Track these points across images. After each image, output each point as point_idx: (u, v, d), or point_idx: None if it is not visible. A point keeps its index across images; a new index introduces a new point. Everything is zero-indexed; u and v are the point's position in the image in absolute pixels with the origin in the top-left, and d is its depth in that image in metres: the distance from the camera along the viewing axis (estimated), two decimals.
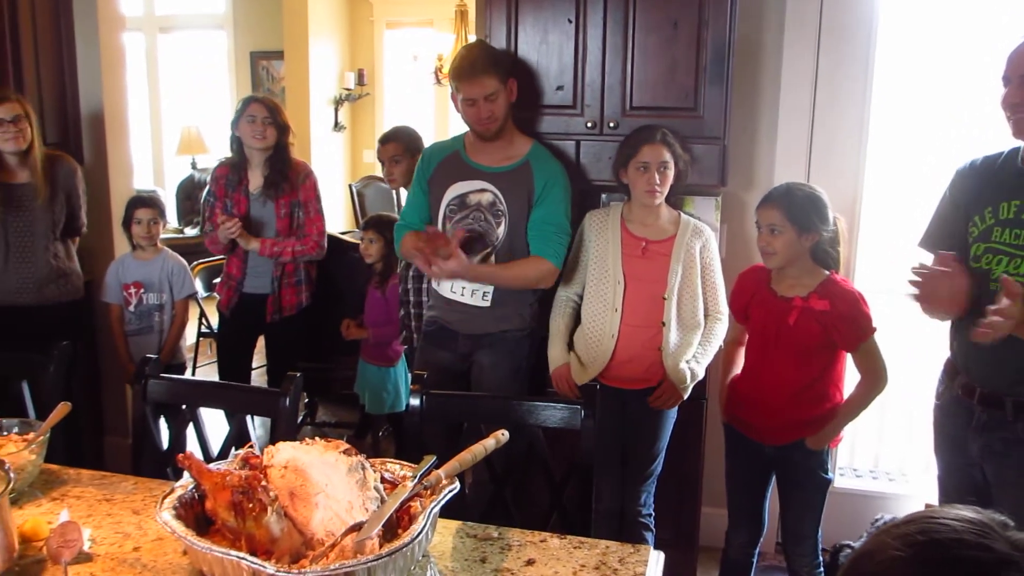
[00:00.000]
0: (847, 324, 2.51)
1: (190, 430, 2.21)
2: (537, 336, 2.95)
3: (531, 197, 2.77)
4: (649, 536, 2.84)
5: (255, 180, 3.58)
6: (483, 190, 2.81)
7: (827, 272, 2.57)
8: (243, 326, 3.76)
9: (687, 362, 2.71)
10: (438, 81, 6.96)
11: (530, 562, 1.57)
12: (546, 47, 2.91)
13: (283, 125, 3.55)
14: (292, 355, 3.76)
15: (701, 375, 2.74)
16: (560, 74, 2.93)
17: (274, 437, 1.95)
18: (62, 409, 1.86)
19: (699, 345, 2.74)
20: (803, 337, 2.53)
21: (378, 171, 7.86)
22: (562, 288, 2.87)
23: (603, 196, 3.10)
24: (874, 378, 2.55)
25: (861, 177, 3.16)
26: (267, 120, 3.51)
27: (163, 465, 2.15)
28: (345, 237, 4.80)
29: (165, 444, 2.26)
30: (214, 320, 4.41)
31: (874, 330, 2.53)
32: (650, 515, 2.86)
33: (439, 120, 7.72)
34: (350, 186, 7.34)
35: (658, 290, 2.70)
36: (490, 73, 2.69)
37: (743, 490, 2.79)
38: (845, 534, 3.10)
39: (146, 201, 3.70)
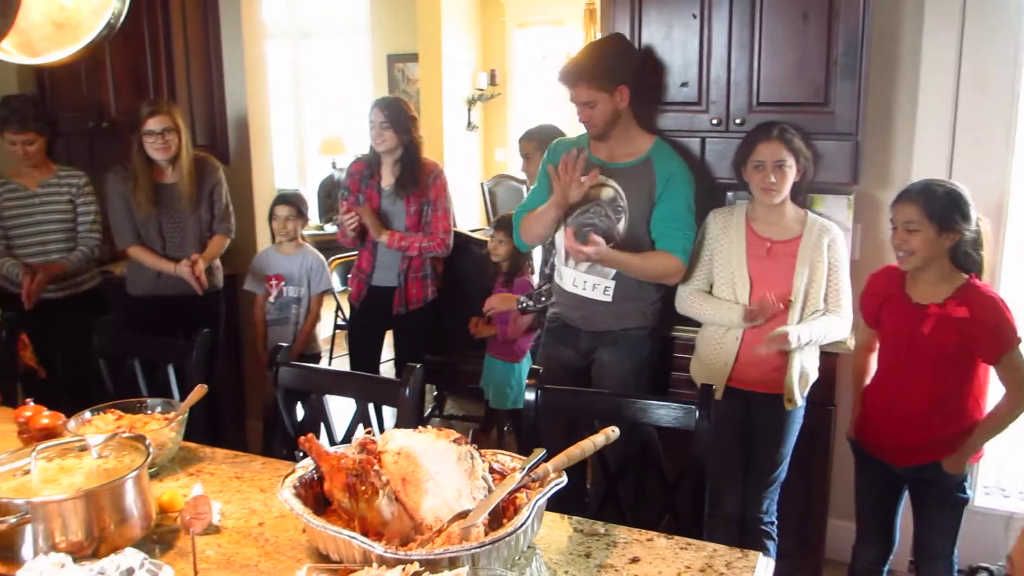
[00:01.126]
0: (988, 333, 2.35)
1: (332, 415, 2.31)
2: (659, 335, 2.93)
3: (652, 194, 2.75)
4: (771, 545, 2.76)
5: (387, 177, 3.70)
6: (604, 185, 2.81)
7: (967, 276, 2.42)
8: (372, 318, 3.90)
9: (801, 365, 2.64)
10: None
11: (634, 560, 1.57)
12: (670, 43, 2.88)
13: (405, 128, 3.65)
14: (418, 348, 3.87)
15: (809, 370, 2.66)
16: (684, 70, 2.89)
17: (398, 426, 2.02)
18: (199, 391, 1.98)
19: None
20: (939, 347, 2.38)
21: (509, 169, 7.99)
22: (683, 285, 2.83)
23: (728, 195, 3.04)
24: (1019, 393, 2.37)
25: (1009, 174, 2.96)
26: (384, 124, 3.61)
27: (292, 447, 2.26)
28: (475, 235, 4.88)
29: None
30: (348, 313, 4.58)
31: (1019, 340, 2.36)
32: (772, 523, 2.78)
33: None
34: (482, 184, 7.46)
35: (784, 291, 2.63)
36: (586, 83, 2.71)
37: (873, 507, 2.67)
38: (984, 555, 2.92)
39: (287, 199, 3.90)
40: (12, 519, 1.40)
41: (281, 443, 2.32)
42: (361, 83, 8.65)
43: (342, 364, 5.41)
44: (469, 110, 7.94)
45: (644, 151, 2.80)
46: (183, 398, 2.14)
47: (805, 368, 2.66)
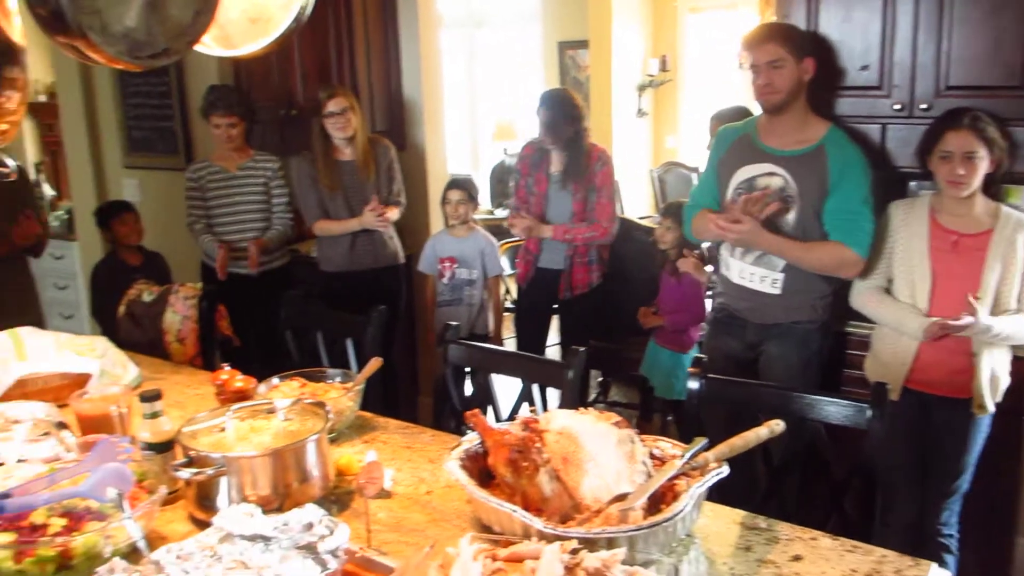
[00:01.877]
0: None
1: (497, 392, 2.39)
2: (830, 330, 2.82)
3: (825, 183, 2.64)
4: (950, 559, 2.61)
5: (556, 163, 3.75)
6: (772, 174, 2.73)
7: None
8: (538, 300, 3.97)
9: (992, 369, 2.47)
10: (741, 65, 6.78)
11: (796, 558, 1.53)
12: (849, 25, 2.76)
13: (570, 120, 3.66)
14: (584, 333, 3.90)
15: (1000, 373, 2.48)
16: (865, 53, 2.76)
17: (562, 407, 2.07)
18: (374, 364, 2.10)
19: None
20: None
21: (679, 157, 7.88)
22: (860, 281, 2.71)
23: (911, 184, 2.88)
24: None
25: None
26: (547, 122, 3.66)
27: (460, 422, 2.35)
28: (643, 222, 4.85)
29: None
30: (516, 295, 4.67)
31: None
32: (952, 536, 2.62)
33: (748, 104, 7.51)
34: (651, 172, 7.39)
35: (971, 288, 2.46)
36: (777, 41, 2.62)
37: None
38: None
39: (458, 183, 4.03)
40: (210, 471, 1.54)
41: (450, 417, 2.41)
42: (532, 70, 8.76)
43: (509, 346, 5.53)
44: (639, 97, 7.87)
45: (817, 138, 2.69)
46: (360, 370, 2.27)
47: (996, 371, 2.49)
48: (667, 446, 1.70)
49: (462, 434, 2.31)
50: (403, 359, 4.36)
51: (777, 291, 2.77)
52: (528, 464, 1.52)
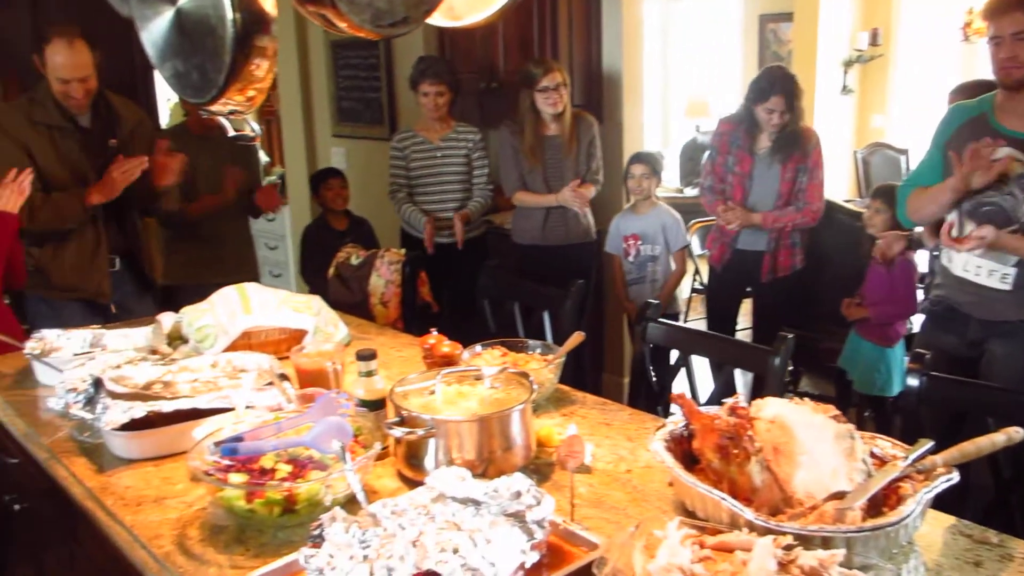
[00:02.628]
0: None
1: (680, 374, 2.34)
2: None
3: None
4: None
5: (763, 141, 3.61)
6: (1014, 160, 2.49)
7: None
8: (732, 283, 3.85)
9: None
10: (966, 38, 6.26)
11: None
12: None
13: (794, 104, 3.53)
14: (777, 319, 3.75)
15: None
16: None
17: (756, 395, 1.99)
18: (576, 338, 2.09)
19: None
20: None
21: (887, 137, 7.39)
22: None
23: None
24: None
25: None
26: (783, 109, 3.52)
27: (654, 402, 2.31)
28: (848, 205, 4.60)
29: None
30: (706, 277, 4.56)
31: None
32: None
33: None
34: (855, 153, 6.99)
35: None
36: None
37: None
38: None
39: (642, 158, 3.96)
40: (420, 432, 1.59)
41: (646, 397, 2.38)
42: (730, 44, 8.47)
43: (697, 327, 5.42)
44: (845, 73, 7.43)
45: None
46: (554, 342, 2.28)
47: None
48: (886, 445, 1.59)
49: (658, 414, 2.28)
50: (588, 336, 4.36)
51: (1007, 287, 2.54)
52: (739, 452, 1.47)
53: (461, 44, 4.47)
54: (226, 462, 1.50)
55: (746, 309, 4.14)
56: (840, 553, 1.25)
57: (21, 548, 2.39)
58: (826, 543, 1.33)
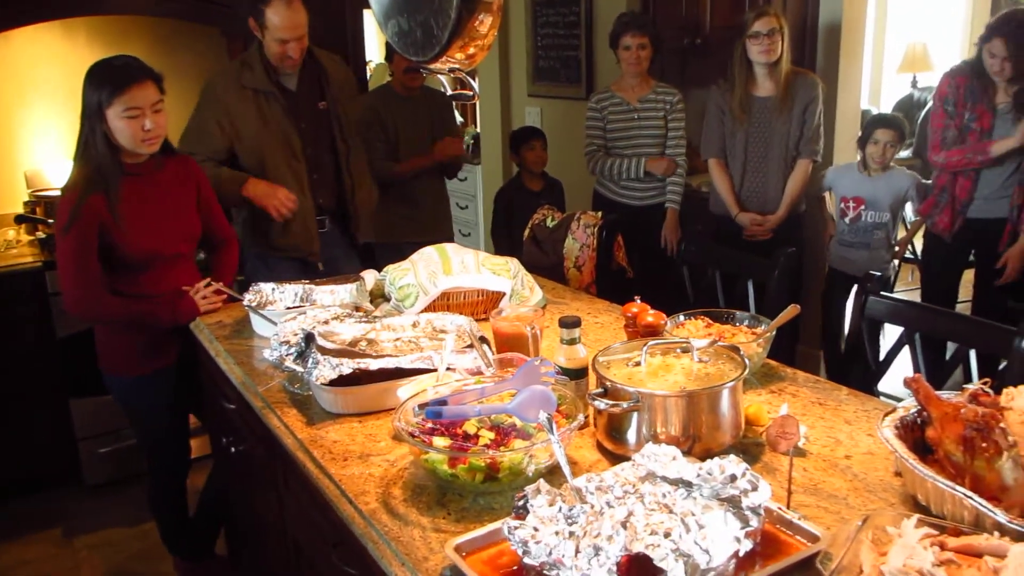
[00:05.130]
0: None
1: (904, 354, 2.14)
2: None
3: None
4: None
5: (1002, 95, 3.24)
6: None
7: None
8: (959, 253, 3.51)
9: None
10: None
11: None
12: None
13: None
14: (1006, 294, 3.40)
15: None
16: None
17: (991, 380, 1.78)
18: (791, 311, 1.95)
19: None
20: None
21: None
22: None
23: None
24: None
25: None
26: (1006, 57, 3.15)
27: (871, 381, 2.13)
28: None
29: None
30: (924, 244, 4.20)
31: None
32: None
33: None
34: None
35: None
36: None
37: None
38: None
39: (888, 121, 3.64)
40: (625, 404, 1.52)
41: (859, 374, 2.20)
42: None
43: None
44: None
45: None
46: (759, 313, 2.14)
47: None
48: None
49: (874, 395, 2.10)
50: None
51: None
52: (988, 445, 1.30)
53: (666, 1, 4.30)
54: (430, 425, 1.50)
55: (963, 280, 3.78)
56: None
57: (235, 487, 2.55)
58: None
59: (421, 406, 1.53)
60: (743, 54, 3.49)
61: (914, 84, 7.79)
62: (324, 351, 1.88)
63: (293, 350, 1.96)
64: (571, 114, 4.72)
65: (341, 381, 1.79)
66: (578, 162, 4.09)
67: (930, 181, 3.60)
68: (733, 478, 1.25)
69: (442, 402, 1.52)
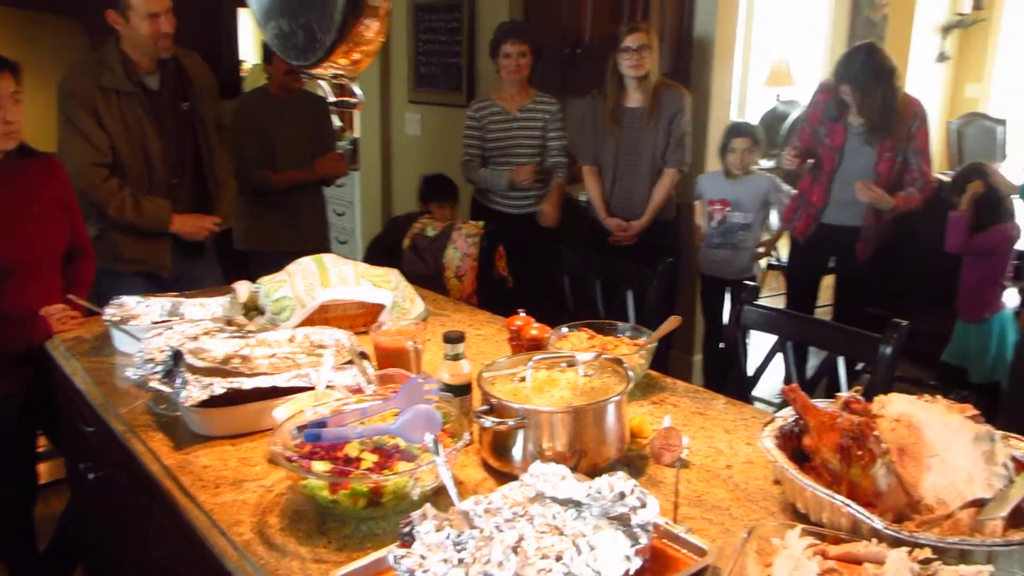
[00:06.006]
0: None
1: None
2: None
3: None
4: None
5: (859, 115, 3.40)
6: None
7: None
8: (816, 258, 3.67)
9: None
10: None
11: None
12: None
13: (880, 87, 3.32)
14: (863, 299, 3.58)
15: None
16: None
17: (869, 386, 1.85)
18: (672, 322, 1.97)
19: None
20: None
21: (981, 107, 7.00)
22: None
23: None
24: None
25: None
26: (856, 96, 3.34)
27: (746, 388, 2.18)
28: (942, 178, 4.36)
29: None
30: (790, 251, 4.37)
31: None
32: None
33: None
34: (948, 123, 6.65)
35: None
36: None
37: None
38: None
39: (742, 129, 3.77)
40: (511, 422, 1.49)
41: (736, 382, 2.25)
42: (818, 8, 8.08)
43: (774, 304, 5.22)
44: (942, 39, 7.05)
45: None
46: (638, 323, 2.16)
47: None
48: (1022, 445, 1.44)
49: (748, 402, 2.15)
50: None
51: None
52: (863, 453, 1.34)
53: (546, 8, 4.32)
54: (309, 448, 1.43)
55: (823, 284, 3.96)
56: (987, 570, 1.12)
57: (94, 517, 2.38)
58: (963, 556, 1.20)
59: (299, 428, 1.46)
60: (615, 66, 3.55)
61: (778, 98, 8.13)
62: (193, 370, 1.77)
63: (159, 368, 1.84)
64: (451, 121, 4.69)
65: (212, 402, 1.69)
66: (457, 170, 4.06)
67: (790, 188, 3.76)
68: (622, 496, 1.24)
69: (321, 424, 1.45)
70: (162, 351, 1.89)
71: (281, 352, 1.93)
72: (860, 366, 3.11)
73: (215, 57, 3.56)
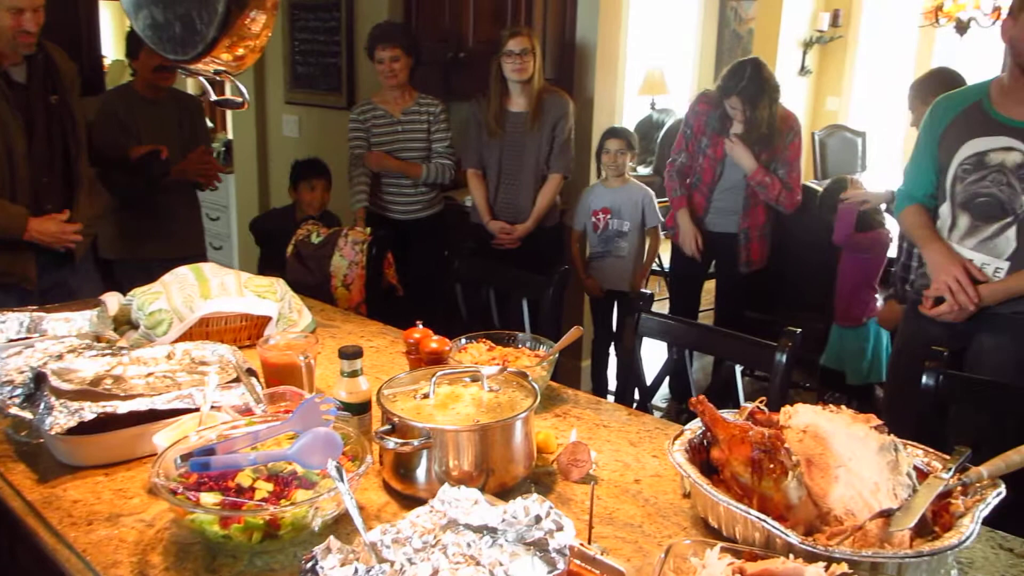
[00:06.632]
0: None
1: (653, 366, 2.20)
2: None
3: None
4: None
5: (740, 127, 3.49)
6: (1009, 148, 2.39)
7: None
8: (700, 265, 3.74)
9: None
10: (935, 21, 6.19)
11: None
12: None
13: (762, 104, 3.42)
14: (744, 303, 3.69)
15: None
16: None
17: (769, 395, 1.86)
18: (575, 333, 1.93)
19: None
20: None
21: (841, 119, 7.37)
22: None
23: None
24: None
25: None
26: (743, 108, 3.42)
27: (645, 398, 2.17)
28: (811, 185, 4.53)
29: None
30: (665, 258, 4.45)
31: None
32: None
33: (920, 69, 6.95)
34: (813, 135, 6.95)
35: None
36: None
37: None
38: None
39: (617, 132, 3.82)
40: (415, 443, 1.41)
41: (632, 392, 2.24)
42: (688, 20, 8.33)
43: (658, 309, 5.32)
44: (804, 53, 7.39)
45: None
46: (534, 331, 2.12)
47: None
48: (919, 453, 1.48)
49: (648, 412, 2.14)
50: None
51: (999, 278, 2.46)
52: (775, 466, 1.33)
53: (428, 10, 4.23)
54: (196, 478, 1.31)
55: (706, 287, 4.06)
56: None
57: None
58: (873, 568, 1.20)
59: (184, 456, 1.34)
60: (498, 70, 3.52)
61: (653, 106, 8.33)
62: (59, 393, 1.61)
63: (19, 392, 1.67)
64: (331, 124, 4.54)
65: (82, 428, 1.53)
66: (339, 174, 3.92)
67: (660, 214, 3.85)
68: (538, 519, 1.18)
69: (209, 451, 1.33)
70: (21, 372, 1.72)
71: (159, 371, 1.79)
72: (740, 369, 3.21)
73: (75, 50, 3.29)
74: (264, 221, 3.95)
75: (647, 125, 8.17)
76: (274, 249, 3.42)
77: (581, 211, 3.85)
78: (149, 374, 1.77)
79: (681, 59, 8.26)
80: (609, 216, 3.79)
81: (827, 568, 1.15)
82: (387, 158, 3.67)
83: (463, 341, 1.97)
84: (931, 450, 1.48)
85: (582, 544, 1.27)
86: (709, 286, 4.07)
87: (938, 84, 3.12)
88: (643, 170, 7.58)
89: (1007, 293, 2.43)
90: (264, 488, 1.29)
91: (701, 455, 1.51)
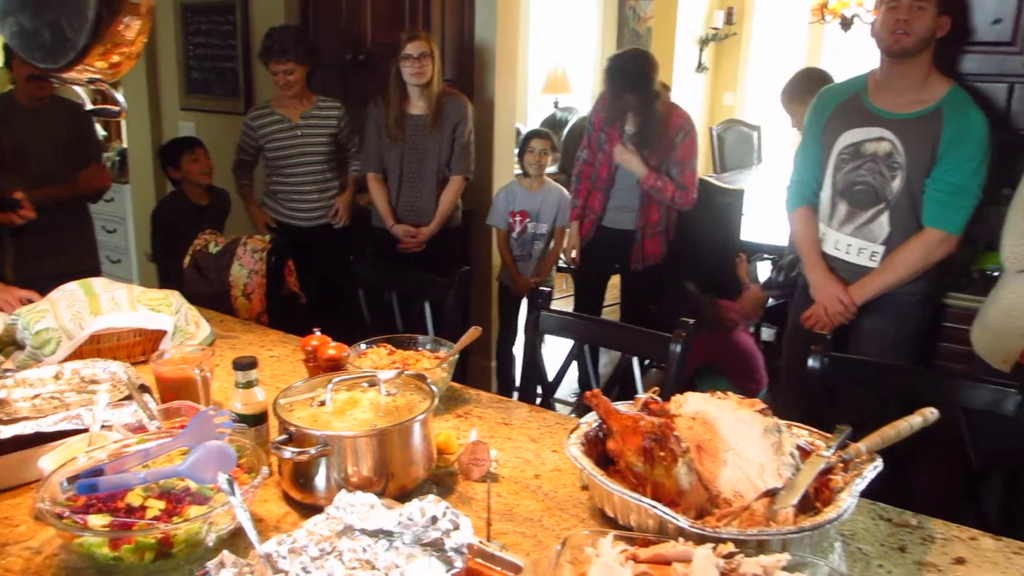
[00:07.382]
0: None
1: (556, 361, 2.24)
2: (931, 303, 2.65)
3: (935, 149, 2.44)
4: None
5: (632, 124, 3.56)
6: (880, 139, 2.53)
7: None
8: (600, 260, 3.80)
9: None
10: (821, 18, 6.45)
11: (959, 560, 1.38)
12: None
13: (643, 85, 3.49)
14: (647, 297, 3.77)
15: None
16: (1000, 5, 2.53)
17: (664, 385, 1.91)
18: (473, 333, 1.95)
19: None
20: None
21: (737, 114, 7.59)
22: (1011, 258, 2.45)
23: None
24: None
25: None
26: (615, 91, 3.51)
27: (548, 394, 2.20)
28: (710, 179, 4.66)
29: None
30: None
31: None
32: None
33: (810, 63, 7.21)
34: (711, 129, 7.14)
35: None
36: None
37: None
38: None
39: (540, 133, 3.90)
40: (313, 450, 1.41)
41: (534, 389, 2.27)
42: (588, 19, 8.45)
43: (564, 305, 5.39)
44: (700, 51, 7.59)
45: (936, 99, 2.47)
46: (437, 334, 2.13)
47: None
48: (804, 433, 1.55)
49: (551, 408, 2.18)
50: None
51: (875, 264, 2.59)
52: (666, 454, 1.37)
53: (325, 13, 4.18)
54: (84, 501, 1.27)
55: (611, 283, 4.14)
56: (785, 558, 1.18)
57: None
58: (760, 546, 1.25)
59: (71, 479, 1.30)
60: (397, 74, 3.51)
61: (556, 105, 8.42)
62: None
63: None
64: (230, 129, 4.43)
65: None
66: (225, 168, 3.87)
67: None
68: (435, 519, 1.19)
69: (98, 471, 1.30)
70: None
71: (46, 392, 1.74)
72: (647, 362, 3.28)
73: None
74: (163, 216, 3.84)
75: (551, 124, 8.24)
76: (183, 243, 3.34)
77: (497, 211, 3.88)
78: (35, 396, 1.72)
79: (583, 58, 8.37)
80: (527, 220, 3.84)
81: (715, 549, 1.20)
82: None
83: (363, 346, 1.97)
84: (815, 430, 1.55)
85: (481, 542, 1.29)
86: (615, 281, 4.15)
87: (809, 84, 3.25)
88: (551, 168, 7.66)
89: (876, 291, 2.57)
90: (156, 506, 1.27)
91: (598, 447, 1.54)
